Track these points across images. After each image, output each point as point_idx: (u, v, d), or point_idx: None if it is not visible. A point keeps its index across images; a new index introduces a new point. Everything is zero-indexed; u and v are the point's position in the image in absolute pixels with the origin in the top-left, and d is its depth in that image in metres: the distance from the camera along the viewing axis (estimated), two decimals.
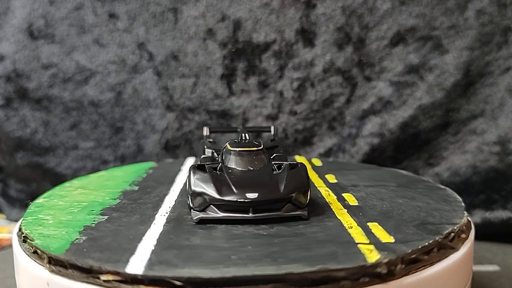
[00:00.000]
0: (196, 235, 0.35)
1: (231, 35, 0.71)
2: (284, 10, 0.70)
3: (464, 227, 0.37)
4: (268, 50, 0.71)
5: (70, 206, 0.44)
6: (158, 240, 0.35)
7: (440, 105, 0.69)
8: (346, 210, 0.40)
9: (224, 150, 0.43)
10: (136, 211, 0.42)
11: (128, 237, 0.35)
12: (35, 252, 0.35)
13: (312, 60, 0.71)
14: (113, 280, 0.29)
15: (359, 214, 0.39)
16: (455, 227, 0.36)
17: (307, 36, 0.70)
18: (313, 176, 0.51)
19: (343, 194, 0.44)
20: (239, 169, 0.41)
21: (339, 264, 0.29)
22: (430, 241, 0.33)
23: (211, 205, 0.38)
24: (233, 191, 0.37)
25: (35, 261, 0.35)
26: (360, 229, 0.36)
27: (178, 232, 0.36)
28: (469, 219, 0.40)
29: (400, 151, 0.71)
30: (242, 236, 0.35)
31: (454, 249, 0.35)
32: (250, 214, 0.37)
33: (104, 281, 0.29)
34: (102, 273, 0.30)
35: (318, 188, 0.47)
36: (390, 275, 0.30)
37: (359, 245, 0.32)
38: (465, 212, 0.39)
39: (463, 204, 0.41)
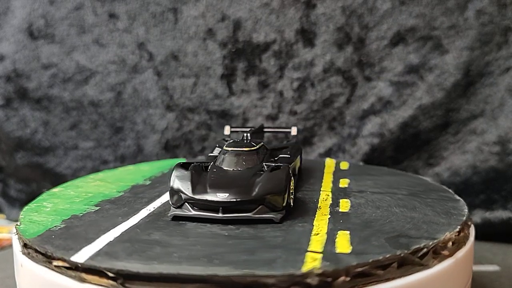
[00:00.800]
0: (160, 231, 0.36)
1: (231, 35, 0.71)
2: (284, 10, 0.70)
3: (448, 243, 0.34)
4: (268, 50, 0.71)
5: (77, 196, 0.46)
6: (123, 232, 0.36)
7: (440, 105, 0.69)
8: (329, 216, 0.39)
9: (222, 149, 0.44)
10: (128, 205, 0.43)
11: (100, 228, 0.37)
12: (19, 237, 0.37)
13: (312, 60, 0.71)
14: (62, 266, 0.31)
15: (339, 221, 0.37)
16: (430, 243, 0.33)
17: (307, 36, 0.70)
18: (326, 179, 0.50)
19: (340, 200, 0.43)
20: (226, 168, 0.41)
21: (269, 271, 0.28)
22: (387, 255, 0.31)
23: (186, 203, 0.38)
24: (206, 190, 0.38)
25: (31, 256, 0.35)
26: (325, 237, 0.34)
27: (147, 227, 0.37)
28: (468, 232, 0.37)
29: (400, 151, 0.71)
30: (202, 235, 0.35)
31: (424, 266, 0.32)
32: (220, 214, 0.37)
33: (55, 266, 0.32)
34: (54, 259, 0.32)
35: (321, 191, 0.46)
36: (327, 287, 0.29)
37: (307, 253, 0.31)
38: (462, 226, 0.37)
39: (464, 218, 0.38)
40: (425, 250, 0.32)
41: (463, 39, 0.67)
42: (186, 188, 0.39)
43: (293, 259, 0.30)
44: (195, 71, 0.73)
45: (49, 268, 0.33)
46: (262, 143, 0.45)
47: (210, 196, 0.37)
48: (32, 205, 0.44)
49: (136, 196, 0.46)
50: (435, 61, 0.68)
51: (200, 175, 0.40)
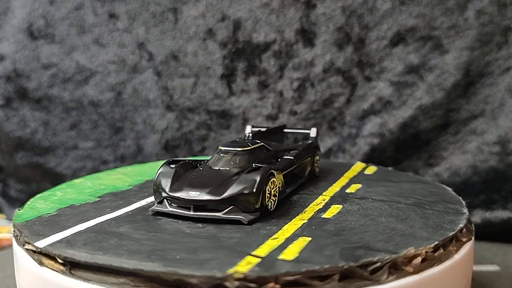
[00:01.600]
0: (132, 224, 0.38)
1: (231, 35, 0.71)
2: (284, 10, 0.70)
3: (415, 260, 0.31)
4: (268, 50, 0.71)
5: (90, 187, 0.48)
6: (98, 223, 0.38)
7: (440, 105, 0.69)
8: (305, 222, 0.37)
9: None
10: (126, 198, 0.45)
11: (83, 218, 0.39)
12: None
13: (312, 60, 0.71)
14: (30, 250, 0.34)
15: (311, 227, 0.36)
16: (386, 258, 0.30)
17: (307, 36, 0.70)
18: (338, 183, 0.49)
19: (332, 206, 0.42)
20: (214, 167, 0.42)
21: (193, 271, 0.29)
22: (325, 266, 0.29)
23: (165, 199, 0.40)
24: (182, 188, 0.39)
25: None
26: (282, 242, 0.33)
27: (124, 220, 0.39)
28: (455, 248, 0.35)
29: (400, 151, 0.71)
30: (165, 231, 0.36)
31: (373, 281, 0.30)
32: (191, 212, 0.38)
33: (26, 249, 0.35)
34: (26, 242, 0.35)
35: (321, 195, 0.45)
36: None
37: (246, 257, 0.31)
38: (444, 243, 0.34)
39: (450, 233, 0.35)
40: (378, 264, 0.30)
41: (463, 39, 0.67)
42: (165, 185, 0.40)
43: (228, 261, 0.30)
44: (195, 71, 0.73)
45: (23, 250, 0.34)
46: (262, 143, 0.45)
47: (183, 194, 0.38)
48: (46, 193, 0.47)
49: (141, 191, 0.47)
50: (435, 61, 0.68)
51: (185, 173, 0.41)
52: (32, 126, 0.76)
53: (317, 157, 0.52)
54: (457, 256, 0.35)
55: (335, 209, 0.41)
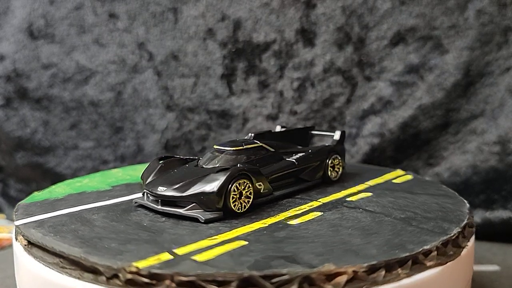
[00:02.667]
0: (107, 213, 0.41)
1: (231, 35, 0.71)
2: (284, 10, 0.70)
3: (319, 278, 0.29)
4: (268, 50, 0.71)
5: (117, 177, 0.53)
6: (82, 210, 0.42)
7: (440, 105, 0.69)
8: (264, 226, 0.37)
9: None
10: (134, 189, 0.48)
11: (71, 204, 0.43)
12: None
13: (312, 60, 0.71)
14: (16, 229, 0.39)
15: (263, 232, 0.36)
16: (298, 271, 0.29)
17: (307, 36, 0.70)
18: (347, 190, 0.47)
19: (311, 213, 0.40)
20: (200, 165, 0.43)
21: (101, 260, 0.31)
22: (223, 272, 0.29)
23: (144, 192, 0.42)
24: (156, 183, 0.41)
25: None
26: (215, 243, 0.34)
27: (106, 209, 0.42)
28: (405, 272, 0.32)
29: (400, 151, 0.71)
30: (126, 222, 0.39)
31: None
32: (159, 206, 0.40)
33: (16, 226, 0.39)
34: (12, 219, 0.41)
35: (314, 201, 0.44)
36: (147, 286, 0.29)
37: (163, 252, 0.32)
38: (384, 263, 0.31)
39: (403, 255, 0.32)
40: (286, 277, 0.29)
41: (463, 39, 0.67)
42: (145, 178, 0.43)
43: (141, 255, 0.31)
44: (195, 71, 0.73)
45: (14, 228, 0.36)
46: (259, 144, 0.45)
47: (154, 189, 0.40)
48: (76, 179, 0.53)
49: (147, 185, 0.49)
50: (435, 61, 0.68)
51: (169, 169, 0.43)
52: (32, 126, 0.76)
53: (336, 161, 0.50)
54: (456, 257, 0.35)
55: (309, 216, 0.39)
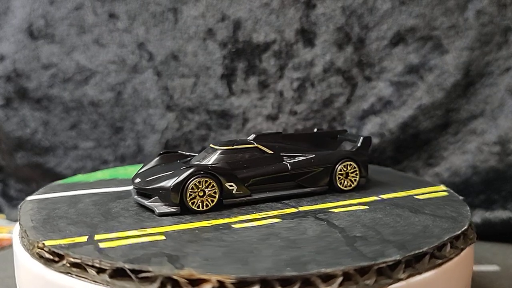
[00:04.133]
0: (98, 198, 0.45)
1: (231, 35, 0.71)
2: (284, 10, 0.70)
3: (201, 283, 0.29)
4: (268, 50, 0.71)
5: (118, 173, 0.56)
6: (81, 194, 0.46)
7: (440, 105, 0.69)
8: (207, 226, 0.38)
9: None
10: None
11: (84, 187, 0.49)
12: None
13: (312, 60, 0.71)
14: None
15: (195, 231, 0.36)
16: (162, 270, 0.29)
17: (307, 36, 0.70)
18: (345, 201, 0.44)
19: (270, 219, 0.39)
20: (189, 162, 0.45)
21: (38, 237, 0.35)
22: (96, 260, 0.31)
23: None
24: (139, 174, 0.45)
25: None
26: (139, 234, 0.36)
27: (104, 195, 0.46)
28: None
29: (400, 151, 0.71)
30: (99, 206, 0.43)
31: (143, 286, 0.29)
32: (135, 196, 0.43)
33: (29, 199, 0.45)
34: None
35: (292, 208, 0.42)
36: (52, 262, 0.34)
37: (81, 237, 0.36)
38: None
39: (292, 274, 0.29)
40: (150, 274, 0.29)
41: (463, 39, 0.67)
42: (137, 170, 0.46)
43: (65, 235, 0.36)
44: (195, 71, 0.73)
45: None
46: (254, 145, 0.45)
47: (136, 180, 0.44)
48: (105, 169, 0.57)
49: None
50: (435, 61, 0.68)
51: (163, 163, 0.46)
52: (32, 126, 0.76)
53: (351, 169, 0.46)
54: (456, 257, 0.35)
55: (262, 222, 0.38)
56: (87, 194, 0.47)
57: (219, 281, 0.28)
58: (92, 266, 0.31)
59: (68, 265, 0.32)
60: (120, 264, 0.30)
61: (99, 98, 0.75)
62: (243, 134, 0.73)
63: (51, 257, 0.33)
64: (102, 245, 0.34)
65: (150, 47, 0.73)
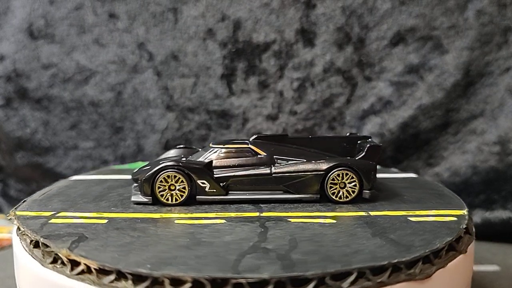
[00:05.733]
0: (110, 184, 0.49)
1: (231, 35, 0.71)
2: (284, 10, 0.70)
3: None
4: (268, 50, 0.71)
5: (131, 167, 0.59)
6: (101, 179, 0.51)
7: (440, 105, 0.69)
8: (153, 217, 0.39)
9: None
10: None
11: (112, 173, 0.54)
12: None
13: (312, 60, 0.71)
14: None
15: (137, 220, 0.38)
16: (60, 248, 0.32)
17: (307, 36, 0.70)
18: (320, 213, 0.40)
19: (220, 220, 0.38)
20: (190, 158, 0.46)
21: (21, 206, 0.42)
22: (31, 232, 0.36)
23: None
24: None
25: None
26: (91, 215, 0.40)
27: (118, 182, 0.50)
28: None
29: (400, 151, 0.71)
30: (100, 192, 0.47)
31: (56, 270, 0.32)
32: (135, 184, 0.46)
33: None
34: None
35: (257, 212, 0.40)
36: (12, 221, 0.40)
37: (33, 212, 0.41)
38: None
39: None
40: (53, 256, 0.33)
41: (463, 39, 0.67)
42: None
43: (39, 209, 0.41)
44: (195, 71, 0.73)
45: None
46: (247, 146, 0.45)
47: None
48: (121, 164, 0.60)
49: None
50: (435, 61, 0.68)
51: (162, 159, 0.48)
52: (32, 126, 0.76)
53: (348, 179, 0.42)
54: (457, 257, 0.34)
55: (202, 221, 0.38)
56: (115, 179, 0.51)
57: (83, 264, 0.31)
58: (26, 235, 0.37)
59: (20, 231, 0.38)
60: (34, 237, 0.35)
61: (99, 98, 0.75)
62: (243, 134, 0.73)
63: (16, 223, 0.38)
64: (52, 220, 0.38)
65: (150, 47, 0.73)
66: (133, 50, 0.73)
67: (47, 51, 0.75)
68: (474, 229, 0.39)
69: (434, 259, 0.32)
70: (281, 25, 0.71)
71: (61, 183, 0.50)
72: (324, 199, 0.42)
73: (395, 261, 0.30)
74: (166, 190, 0.42)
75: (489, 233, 0.65)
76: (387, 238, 0.34)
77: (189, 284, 0.28)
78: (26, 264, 0.35)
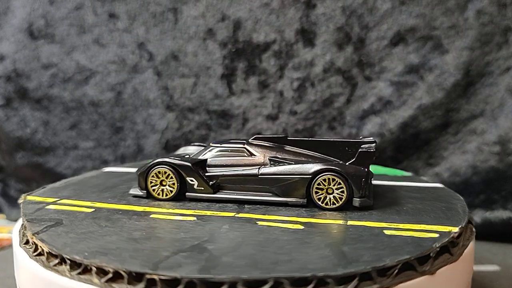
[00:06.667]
0: (120, 179, 0.51)
1: (231, 35, 0.71)
2: (284, 10, 0.70)
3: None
4: (268, 50, 0.71)
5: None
6: (107, 172, 0.55)
7: (440, 105, 0.69)
8: (134, 210, 0.41)
9: None
10: None
11: (135, 166, 0.56)
12: None
13: (312, 60, 0.71)
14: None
15: (118, 212, 0.41)
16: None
17: (307, 36, 0.70)
18: (294, 218, 0.39)
19: (189, 217, 0.39)
20: (192, 156, 0.47)
21: (32, 194, 0.45)
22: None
23: None
24: None
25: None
26: (79, 203, 0.43)
27: (131, 177, 0.53)
28: None
29: (400, 151, 0.71)
30: (110, 182, 0.51)
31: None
32: None
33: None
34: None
35: (232, 213, 0.40)
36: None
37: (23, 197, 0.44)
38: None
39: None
40: (27, 237, 0.37)
41: (463, 39, 0.67)
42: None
43: (51, 195, 0.45)
44: (195, 71, 0.73)
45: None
46: (242, 146, 0.45)
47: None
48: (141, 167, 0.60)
49: None
50: (435, 61, 0.68)
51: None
52: (32, 126, 0.76)
53: (335, 185, 0.40)
54: (457, 257, 0.34)
55: (174, 217, 0.39)
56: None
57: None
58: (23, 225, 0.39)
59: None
60: (24, 220, 0.38)
61: (99, 98, 0.74)
62: (243, 134, 0.73)
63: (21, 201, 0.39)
64: (49, 206, 0.41)
65: (150, 47, 0.73)
66: (133, 50, 0.73)
67: (47, 51, 0.75)
68: (469, 243, 0.36)
69: (378, 277, 0.29)
70: (281, 25, 0.71)
71: (90, 174, 0.55)
72: (312, 204, 0.41)
73: (321, 274, 0.28)
74: (158, 185, 0.43)
75: (489, 233, 0.65)
76: (338, 249, 0.32)
77: (110, 275, 0.30)
78: (26, 264, 0.35)
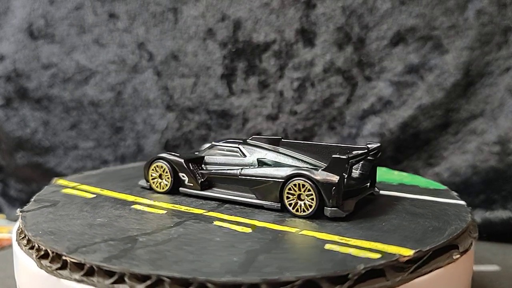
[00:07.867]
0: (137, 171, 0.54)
1: (231, 35, 0.71)
2: (284, 10, 0.70)
3: None
4: (268, 50, 0.71)
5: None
6: (115, 168, 0.58)
7: (440, 105, 0.69)
8: (126, 199, 0.44)
9: None
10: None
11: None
12: None
13: (312, 60, 0.71)
14: None
15: (112, 199, 0.44)
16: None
17: (307, 36, 0.70)
18: (250, 221, 0.39)
19: (162, 212, 0.40)
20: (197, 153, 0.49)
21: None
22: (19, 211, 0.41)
23: None
24: None
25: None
26: (87, 189, 0.47)
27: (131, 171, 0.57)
28: None
29: (400, 151, 0.71)
30: (127, 173, 0.55)
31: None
32: None
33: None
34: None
35: (207, 212, 0.41)
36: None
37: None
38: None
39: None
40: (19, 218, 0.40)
41: (463, 39, 0.67)
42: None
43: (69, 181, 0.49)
44: (195, 71, 0.73)
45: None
46: (236, 146, 0.46)
47: None
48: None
49: None
50: (435, 61, 0.68)
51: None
52: (32, 126, 0.76)
53: (306, 191, 0.38)
54: (457, 257, 0.34)
55: (152, 209, 0.42)
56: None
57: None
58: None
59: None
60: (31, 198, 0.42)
61: (99, 98, 0.75)
62: (243, 134, 0.73)
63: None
64: (64, 190, 0.46)
65: (150, 47, 0.73)
66: (133, 50, 0.73)
67: (47, 51, 0.75)
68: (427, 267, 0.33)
69: None
70: (281, 25, 0.71)
71: (131, 165, 0.59)
72: (287, 210, 0.39)
73: (202, 278, 0.28)
74: (157, 179, 0.46)
75: (489, 233, 0.65)
76: (252, 257, 0.31)
77: (42, 252, 0.34)
78: (26, 264, 0.35)
